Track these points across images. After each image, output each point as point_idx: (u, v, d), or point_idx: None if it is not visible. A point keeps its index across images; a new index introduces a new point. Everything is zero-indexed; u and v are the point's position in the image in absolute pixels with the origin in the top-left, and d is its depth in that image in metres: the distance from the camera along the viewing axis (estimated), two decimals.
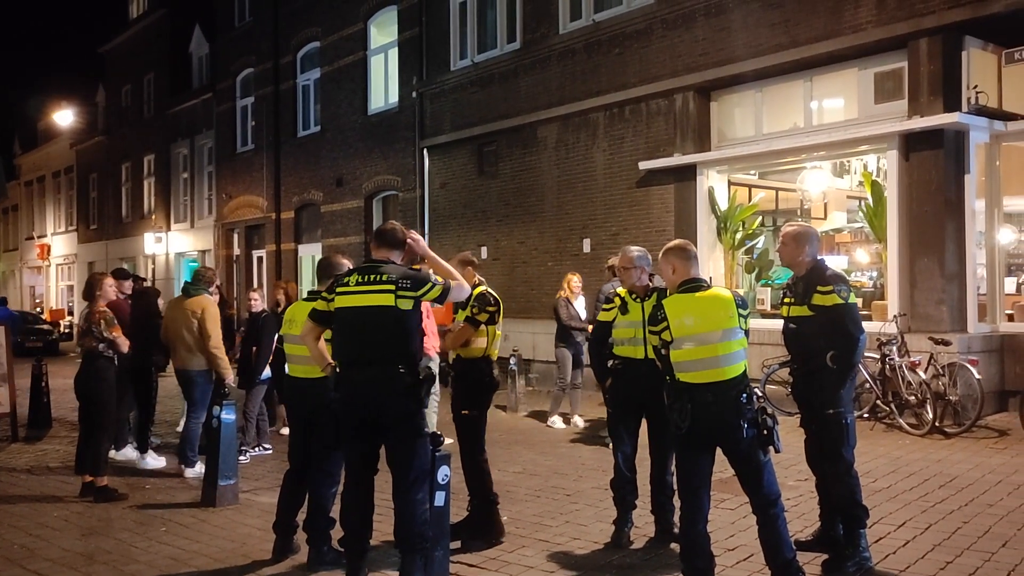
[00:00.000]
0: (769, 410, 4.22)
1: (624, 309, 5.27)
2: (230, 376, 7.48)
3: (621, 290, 5.41)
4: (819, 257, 4.99)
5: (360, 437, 4.49)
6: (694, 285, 4.41)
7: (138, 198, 29.78)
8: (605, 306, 5.47)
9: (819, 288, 4.75)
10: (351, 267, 5.13)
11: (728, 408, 4.17)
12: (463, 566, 4.89)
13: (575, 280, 9.95)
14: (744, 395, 4.19)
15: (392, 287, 4.40)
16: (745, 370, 4.27)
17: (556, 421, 9.86)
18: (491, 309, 5.38)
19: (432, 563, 4.41)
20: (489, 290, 5.53)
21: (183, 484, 7.16)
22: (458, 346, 5.44)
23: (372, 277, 4.46)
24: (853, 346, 4.72)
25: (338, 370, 4.50)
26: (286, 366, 5.32)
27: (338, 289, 4.51)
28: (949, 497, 6.25)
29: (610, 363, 5.35)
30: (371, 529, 4.60)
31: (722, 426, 4.19)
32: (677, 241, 4.67)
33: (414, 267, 4.81)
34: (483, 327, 5.38)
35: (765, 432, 4.14)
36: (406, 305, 4.43)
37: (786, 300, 5.04)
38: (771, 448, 4.20)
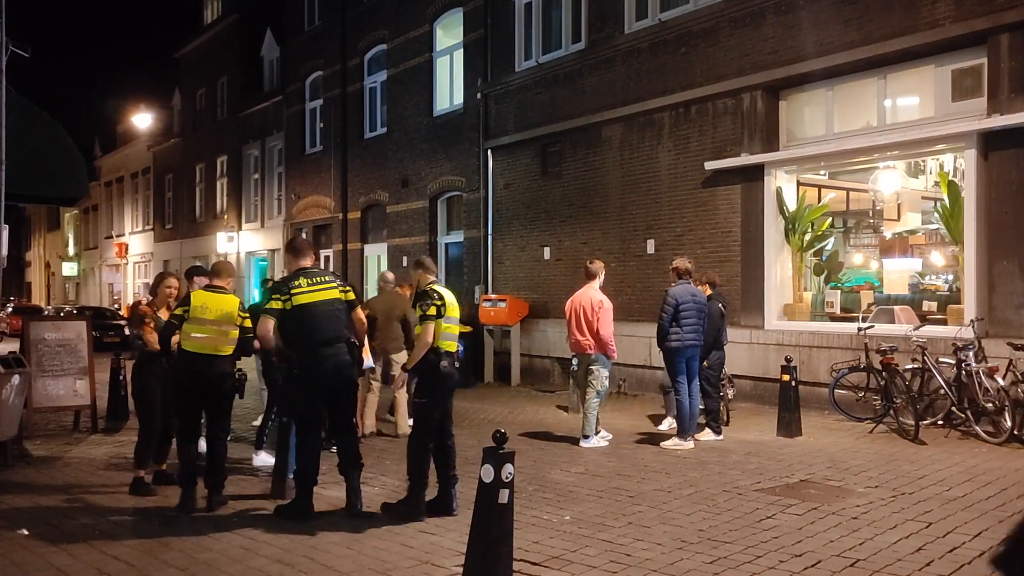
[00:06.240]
0: None
1: None
2: None
3: None
4: None
5: (325, 399, 5.99)
6: None
7: (211, 198, 30.70)
8: None
9: None
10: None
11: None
12: (525, 564, 4.92)
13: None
14: None
15: (335, 284, 6.10)
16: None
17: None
18: (436, 303, 6.01)
19: (492, 559, 4.42)
20: (435, 288, 6.12)
21: (253, 477, 7.37)
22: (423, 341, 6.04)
23: (319, 279, 6.04)
24: None
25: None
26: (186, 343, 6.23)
27: (294, 291, 5.89)
28: None
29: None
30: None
31: None
32: None
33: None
34: (428, 321, 5.98)
35: None
36: (348, 298, 6.10)
37: None
38: None
